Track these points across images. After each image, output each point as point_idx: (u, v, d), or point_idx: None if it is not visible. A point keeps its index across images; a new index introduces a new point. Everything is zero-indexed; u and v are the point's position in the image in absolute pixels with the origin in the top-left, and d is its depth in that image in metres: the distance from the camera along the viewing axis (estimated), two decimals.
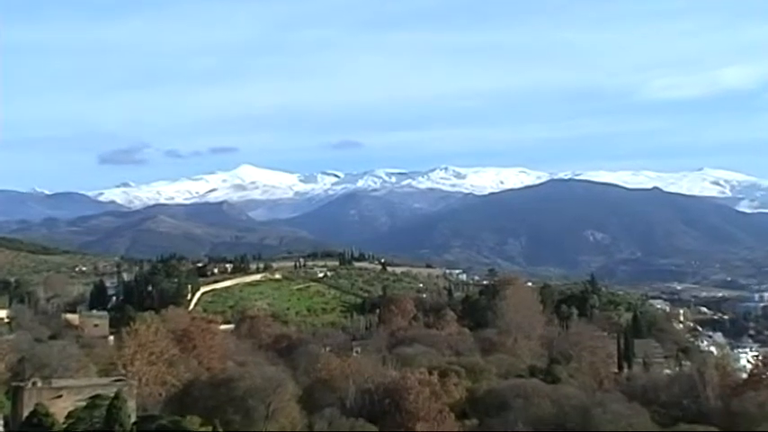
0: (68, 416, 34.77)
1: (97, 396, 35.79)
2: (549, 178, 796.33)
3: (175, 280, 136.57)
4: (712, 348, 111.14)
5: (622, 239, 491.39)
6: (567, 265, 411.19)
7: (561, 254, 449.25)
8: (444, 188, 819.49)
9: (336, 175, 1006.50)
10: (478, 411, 49.21)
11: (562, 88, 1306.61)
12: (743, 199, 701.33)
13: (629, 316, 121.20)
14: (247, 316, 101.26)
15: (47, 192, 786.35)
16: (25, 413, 35.11)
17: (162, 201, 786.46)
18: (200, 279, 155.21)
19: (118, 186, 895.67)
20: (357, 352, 74.19)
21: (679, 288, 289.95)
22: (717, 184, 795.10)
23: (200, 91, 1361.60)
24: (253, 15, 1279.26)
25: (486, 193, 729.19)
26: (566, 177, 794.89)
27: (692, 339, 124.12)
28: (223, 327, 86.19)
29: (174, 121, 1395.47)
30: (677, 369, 77.02)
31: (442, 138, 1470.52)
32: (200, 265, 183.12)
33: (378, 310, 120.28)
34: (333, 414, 45.02)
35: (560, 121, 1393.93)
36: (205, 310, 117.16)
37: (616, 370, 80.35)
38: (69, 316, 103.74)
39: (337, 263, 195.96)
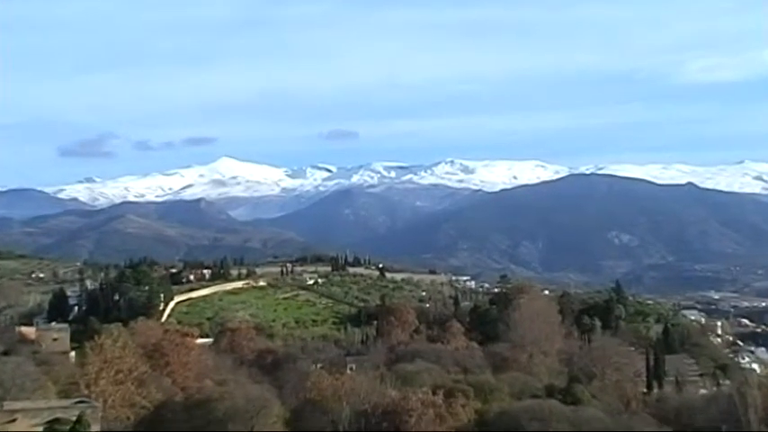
0: None
1: (56, 420, 35.73)
2: (568, 173, 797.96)
3: (146, 288, 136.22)
4: (754, 365, 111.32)
5: (652, 242, 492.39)
6: (589, 271, 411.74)
7: (582, 258, 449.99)
8: (450, 184, 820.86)
9: (328, 170, 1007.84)
10: None
11: (585, 71, 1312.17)
12: None
13: (659, 328, 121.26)
14: (227, 328, 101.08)
15: None
16: None
17: (131, 198, 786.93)
18: (174, 287, 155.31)
19: (81, 182, 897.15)
20: (352, 369, 74.08)
21: (716, 297, 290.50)
22: (759, 179, 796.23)
23: (173, 74, 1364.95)
24: None
25: (497, 189, 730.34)
26: (587, 172, 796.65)
27: (731, 355, 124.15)
28: (200, 341, 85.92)
29: (145, 108, 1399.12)
30: (714, 389, 77.15)
31: (447, 127, 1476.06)
32: (173, 270, 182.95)
33: (375, 322, 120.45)
34: None
35: (582, 109, 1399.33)
36: (180, 322, 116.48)
37: (645, 390, 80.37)
38: (25, 329, 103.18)
39: (329, 268, 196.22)
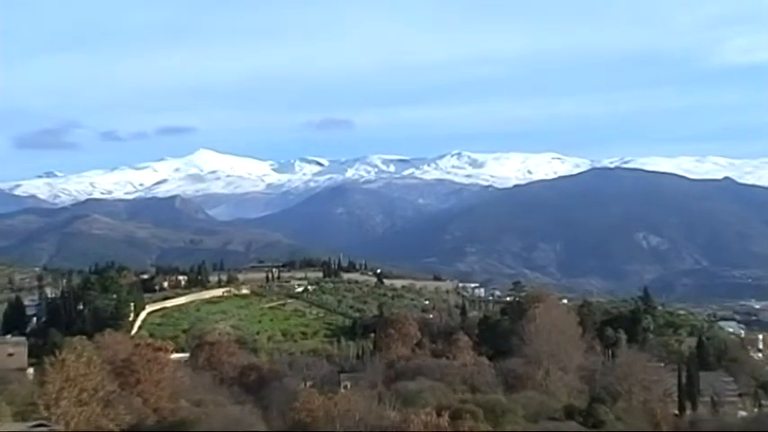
0: None
1: None
2: (590, 167, 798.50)
3: (114, 296, 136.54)
4: None
5: (684, 244, 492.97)
6: (614, 278, 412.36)
7: (606, 263, 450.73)
8: (457, 179, 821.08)
9: (319, 163, 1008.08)
10: None
11: (609, 51, 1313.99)
12: None
13: (692, 342, 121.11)
14: (206, 342, 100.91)
15: None
16: None
17: (96, 195, 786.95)
18: (146, 295, 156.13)
19: (40, 177, 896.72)
20: (346, 387, 74.24)
21: (757, 307, 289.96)
22: None
23: (145, 55, 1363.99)
24: None
25: (509, 185, 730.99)
26: (611, 165, 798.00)
27: None
28: (175, 356, 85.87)
29: (112, 93, 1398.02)
30: (755, 410, 77.17)
31: (454, 116, 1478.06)
32: (145, 277, 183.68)
33: (372, 335, 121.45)
34: None
35: (606, 94, 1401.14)
36: (152, 335, 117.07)
37: (676, 411, 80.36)
38: None
39: (321, 274, 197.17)
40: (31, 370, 79.14)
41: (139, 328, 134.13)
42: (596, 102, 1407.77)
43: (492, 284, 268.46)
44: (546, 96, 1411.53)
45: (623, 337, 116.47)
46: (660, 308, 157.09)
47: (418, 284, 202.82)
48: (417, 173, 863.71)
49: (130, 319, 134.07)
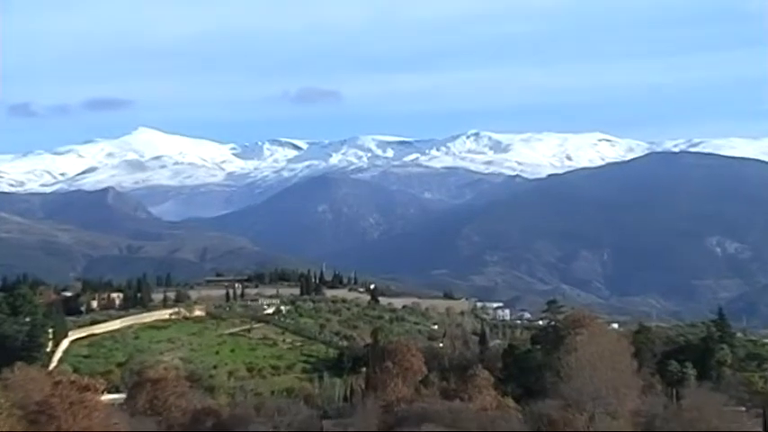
0: None
1: None
2: (647, 150, 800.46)
3: (26, 320, 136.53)
4: None
5: None
6: (679, 296, 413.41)
7: (668, 276, 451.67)
8: (474, 167, 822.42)
9: (296, 146, 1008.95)
10: None
11: (674, 3, 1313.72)
12: None
13: None
14: (147, 379, 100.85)
15: None
16: None
17: (4, 187, 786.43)
18: (69, 318, 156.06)
19: None
20: None
21: None
22: None
23: (69, 5, 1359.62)
24: None
25: (542, 175, 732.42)
26: (675, 149, 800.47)
27: None
28: (107, 397, 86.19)
29: (25, 55, 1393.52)
30: None
31: (470, 85, 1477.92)
32: (68, 294, 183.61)
33: (364, 369, 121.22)
34: None
35: (669, 58, 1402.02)
36: (76, 370, 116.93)
37: None
38: None
39: (298, 291, 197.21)
40: None
41: (60, 360, 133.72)
42: (656, 67, 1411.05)
43: (520, 304, 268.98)
44: (591, 60, 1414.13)
45: (692, 372, 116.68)
46: (740, 335, 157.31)
47: (424, 304, 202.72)
48: (423, 159, 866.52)
49: (48, 349, 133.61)
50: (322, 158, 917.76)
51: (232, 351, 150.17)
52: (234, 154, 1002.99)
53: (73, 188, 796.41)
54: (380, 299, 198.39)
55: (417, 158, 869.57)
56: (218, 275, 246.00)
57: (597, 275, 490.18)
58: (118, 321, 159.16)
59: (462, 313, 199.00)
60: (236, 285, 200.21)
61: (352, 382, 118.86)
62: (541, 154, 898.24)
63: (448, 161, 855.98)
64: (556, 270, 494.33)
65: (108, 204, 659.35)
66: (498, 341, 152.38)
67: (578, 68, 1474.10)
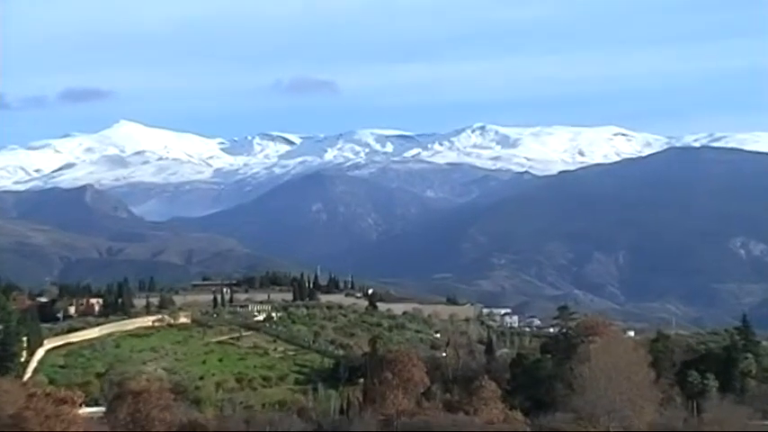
0: None
1: None
2: (666, 145, 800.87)
3: None
4: None
5: None
6: (700, 301, 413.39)
7: (688, 280, 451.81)
8: (480, 163, 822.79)
9: (288, 141, 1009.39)
10: None
11: None
12: None
13: None
14: (129, 391, 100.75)
15: None
16: None
17: None
18: (45, 326, 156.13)
19: None
20: None
21: None
22: None
23: None
24: None
25: (553, 171, 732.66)
26: (696, 144, 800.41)
27: None
28: (85, 410, 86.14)
29: None
30: None
31: (474, 75, 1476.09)
32: (44, 300, 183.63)
33: (362, 381, 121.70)
34: None
35: (688, 45, 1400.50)
36: (52, 381, 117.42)
37: None
38: None
39: (290, 296, 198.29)
40: None
41: (35, 371, 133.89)
42: (675, 56, 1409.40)
43: (529, 310, 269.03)
44: (605, 48, 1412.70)
45: (713, 384, 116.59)
46: (766, 343, 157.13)
47: (426, 310, 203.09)
48: (425, 154, 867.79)
49: (22, 359, 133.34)
50: (316, 154, 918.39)
51: (220, 361, 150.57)
52: (222, 149, 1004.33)
53: (49, 186, 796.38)
54: (379, 305, 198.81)
55: (419, 154, 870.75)
56: (204, 279, 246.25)
57: (612, 279, 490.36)
58: (97, 329, 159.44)
59: (467, 320, 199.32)
60: (225, 290, 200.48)
61: (348, 395, 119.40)
62: (552, 149, 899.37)
63: (452, 157, 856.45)
64: (567, 273, 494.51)
65: (86, 203, 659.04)
66: (506, 350, 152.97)
67: (592, 57, 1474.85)
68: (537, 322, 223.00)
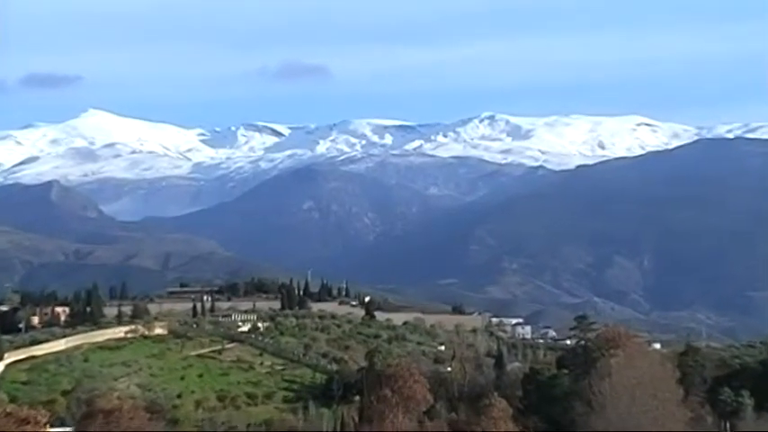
0: None
1: None
2: (695, 137, 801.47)
3: None
4: None
5: None
6: (732, 310, 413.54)
7: (720, 287, 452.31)
8: (489, 157, 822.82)
9: (276, 132, 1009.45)
10: None
11: None
12: None
13: None
14: (99, 410, 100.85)
15: None
16: None
17: None
18: (5, 337, 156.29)
19: None
20: None
21: None
22: None
23: None
24: None
25: (570, 166, 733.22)
26: (728, 135, 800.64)
27: None
28: (51, 431, 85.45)
29: None
30: None
31: (483, 60, 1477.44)
32: (4, 309, 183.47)
33: (358, 398, 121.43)
34: None
35: (720, 25, 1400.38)
36: (14, 399, 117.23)
37: None
38: None
39: (278, 305, 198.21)
40: None
41: None
42: (705, 37, 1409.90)
43: (543, 320, 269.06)
44: (629, 29, 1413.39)
45: (748, 402, 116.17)
46: None
47: (429, 320, 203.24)
48: (428, 147, 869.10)
49: None
50: (307, 146, 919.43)
51: (200, 376, 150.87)
52: (202, 141, 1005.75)
53: (9, 181, 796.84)
54: (377, 314, 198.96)
55: (421, 146, 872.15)
56: (182, 286, 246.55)
57: (635, 286, 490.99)
58: (63, 341, 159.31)
59: (474, 331, 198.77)
60: (205, 298, 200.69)
61: (343, 414, 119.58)
62: (569, 141, 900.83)
63: (457, 149, 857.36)
64: (586, 279, 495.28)
65: (51, 201, 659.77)
66: (518, 364, 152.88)
67: (613, 39, 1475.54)
68: (552, 333, 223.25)
